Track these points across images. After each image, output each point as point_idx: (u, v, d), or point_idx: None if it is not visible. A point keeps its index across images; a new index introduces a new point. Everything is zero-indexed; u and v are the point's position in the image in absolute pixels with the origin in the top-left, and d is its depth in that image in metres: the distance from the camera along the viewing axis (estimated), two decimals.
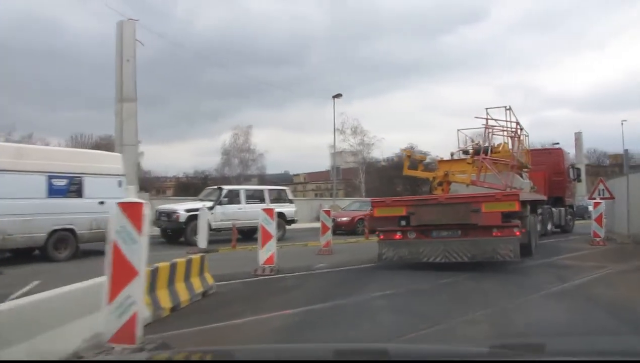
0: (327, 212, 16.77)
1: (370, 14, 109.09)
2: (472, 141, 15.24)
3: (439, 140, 78.67)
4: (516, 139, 14.68)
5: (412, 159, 17.67)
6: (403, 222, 12.11)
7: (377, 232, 12.79)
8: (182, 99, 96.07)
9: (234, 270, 11.88)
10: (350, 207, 28.00)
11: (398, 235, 12.08)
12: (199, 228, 16.61)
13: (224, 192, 20.29)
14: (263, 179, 66.32)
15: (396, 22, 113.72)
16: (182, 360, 2.81)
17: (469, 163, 13.92)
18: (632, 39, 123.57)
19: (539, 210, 17.88)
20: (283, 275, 11.61)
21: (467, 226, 11.38)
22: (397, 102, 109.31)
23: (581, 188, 31.54)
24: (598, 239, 18.11)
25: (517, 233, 11.22)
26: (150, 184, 61.50)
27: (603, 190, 20.53)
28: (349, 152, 63.57)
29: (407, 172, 16.62)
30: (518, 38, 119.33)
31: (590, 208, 19.94)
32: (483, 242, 11.25)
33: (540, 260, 13.50)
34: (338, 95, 32.87)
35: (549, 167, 21.02)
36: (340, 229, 24.03)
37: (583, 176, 38.71)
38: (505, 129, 14.66)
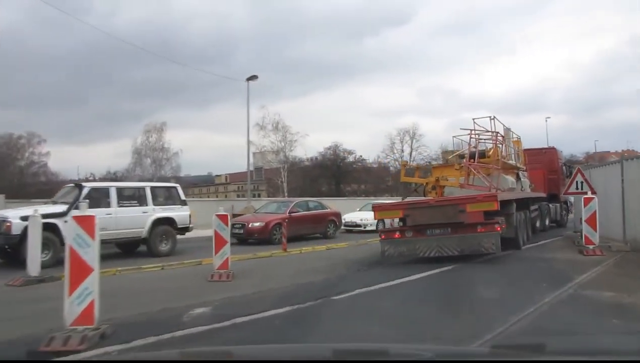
0: (224, 218, 11.21)
1: (296, 14, 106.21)
2: (469, 145, 15.55)
3: (363, 140, 76.42)
4: (501, 144, 15.83)
5: (408, 168, 19.67)
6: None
7: (379, 233, 14.17)
8: (102, 98, 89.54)
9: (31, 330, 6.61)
10: (266, 209, 22.05)
11: (397, 234, 13.11)
12: (29, 245, 10.68)
13: (84, 192, 14.07)
14: (180, 180, 59.71)
15: (322, 23, 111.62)
16: (182, 360, 2.73)
17: (456, 169, 14.79)
18: (542, 47, 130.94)
19: (535, 207, 19.29)
20: (101, 350, 5.61)
21: (456, 224, 12.46)
22: (323, 102, 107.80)
23: None
24: (592, 247, 13.65)
25: (498, 228, 12.42)
26: (57, 187, 54.75)
27: (582, 183, 15.78)
28: (270, 151, 57.80)
29: (404, 179, 18.03)
30: (438, 42, 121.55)
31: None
32: (469, 238, 12.40)
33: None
34: (253, 77, 27.24)
35: (545, 165, 22.01)
36: (253, 237, 18.65)
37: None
38: (492, 135, 15.65)
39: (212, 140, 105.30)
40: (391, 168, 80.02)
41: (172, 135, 59.27)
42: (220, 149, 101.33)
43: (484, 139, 15.63)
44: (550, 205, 22.65)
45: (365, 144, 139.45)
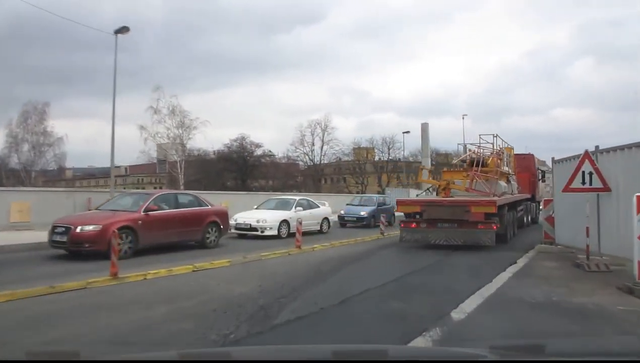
0: None
1: (210, 6, 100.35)
2: (469, 151, 18.87)
3: (274, 137, 72.71)
4: (499, 158, 19.20)
5: (424, 170, 24.22)
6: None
7: (399, 223, 16.89)
8: None
9: None
10: (114, 205, 14.42)
11: (414, 225, 16.00)
12: None
13: None
14: (63, 171, 50.92)
15: (236, 17, 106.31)
16: (182, 360, 2.65)
17: (464, 176, 18.02)
18: (448, 54, 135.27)
19: (522, 207, 22.14)
20: None
21: (461, 221, 15.23)
22: (234, 97, 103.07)
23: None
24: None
25: (494, 227, 15.11)
26: None
27: (591, 174, 11.89)
28: (167, 139, 50.12)
29: (420, 180, 23.91)
30: (349, 43, 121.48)
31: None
32: (471, 232, 15.17)
33: None
34: (123, 30, 20.23)
35: (526, 169, 23.87)
36: (83, 248, 12.04)
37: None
38: (493, 150, 19.29)
39: (119, 131, 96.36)
40: (300, 163, 74.54)
41: (77, 125, 50.39)
42: (125, 140, 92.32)
43: (490, 150, 18.98)
44: (532, 204, 25.67)
45: (276, 141, 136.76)
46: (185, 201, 15.31)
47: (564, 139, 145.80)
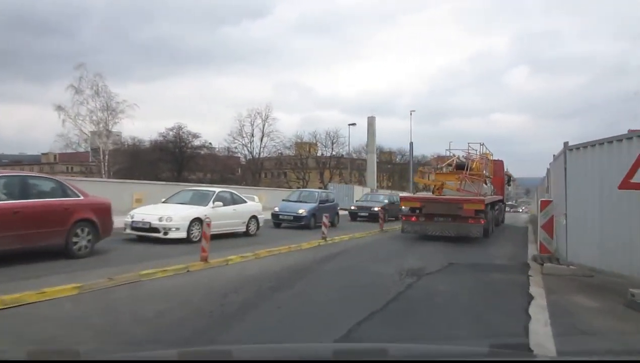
0: None
1: None
2: (454, 155, 21.48)
3: (216, 131, 67.81)
4: (484, 163, 21.17)
5: (422, 171, 26.86)
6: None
7: (400, 216, 19.48)
8: None
9: None
10: None
11: (414, 218, 17.95)
12: None
13: None
14: None
15: (182, 6, 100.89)
16: (182, 360, 2.58)
17: (456, 178, 19.52)
18: (393, 55, 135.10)
19: (497, 207, 24.17)
20: None
21: (455, 216, 17.12)
22: (177, 89, 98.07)
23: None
24: None
25: (482, 221, 17.16)
26: None
27: None
28: (100, 126, 43.99)
29: (417, 179, 28.05)
30: (296, 39, 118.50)
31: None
32: (463, 226, 17.12)
33: None
34: None
35: (498, 173, 24.83)
36: None
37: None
38: (480, 156, 21.67)
39: (52, 117, 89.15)
40: (239, 155, 69.24)
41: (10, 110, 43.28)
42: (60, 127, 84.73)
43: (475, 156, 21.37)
44: (502, 205, 27.58)
45: (219, 135, 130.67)
46: (42, 189, 10.25)
47: (501, 142, 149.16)
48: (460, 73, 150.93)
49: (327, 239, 15.77)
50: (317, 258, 12.11)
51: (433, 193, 19.78)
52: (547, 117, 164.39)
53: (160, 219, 13.65)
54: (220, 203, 15.14)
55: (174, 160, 66.32)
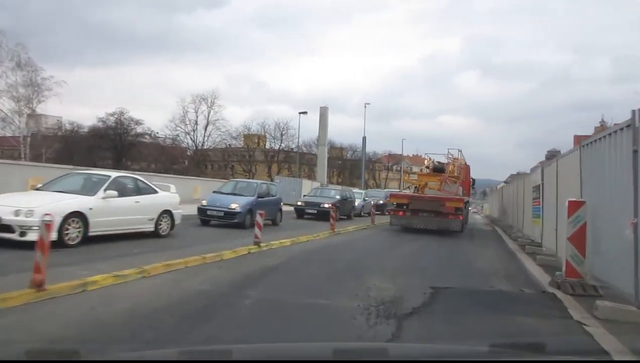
0: None
1: None
2: (432, 161, 23.48)
3: (164, 120, 63.26)
4: (460, 167, 23.48)
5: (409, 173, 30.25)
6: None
7: (389, 211, 21.45)
8: None
9: None
10: None
11: (401, 213, 19.77)
12: None
13: None
14: None
15: None
16: (182, 360, 2.44)
17: (437, 179, 21.94)
18: (346, 53, 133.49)
19: (467, 206, 25.62)
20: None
21: (438, 212, 18.98)
22: (128, 75, 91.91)
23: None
24: None
25: (461, 217, 19.38)
26: None
27: None
28: (20, 104, 38.26)
29: (405, 180, 28.93)
30: (250, 31, 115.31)
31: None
32: (444, 221, 18.96)
33: None
34: None
35: (465, 177, 24.61)
36: None
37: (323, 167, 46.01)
38: (459, 161, 24.04)
39: None
40: (183, 144, 63.86)
41: None
42: None
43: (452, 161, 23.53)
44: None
45: (166, 125, 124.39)
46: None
47: (449, 144, 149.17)
48: (412, 74, 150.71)
49: (262, 245, 11.63)
50: (239, 279, 7.96)
51: (418, 192, 22.03)
52: (495, 121, 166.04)
53: (16, 213, 9.19)
54: (115, 193, 10.71)
55: (113, 148, 60.71)
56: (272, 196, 18.57)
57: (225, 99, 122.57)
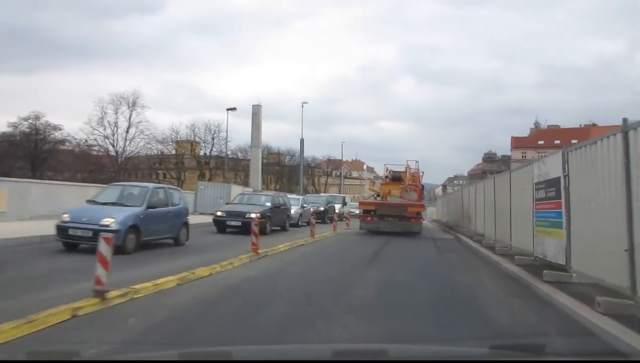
0: None
1: None
2: (390, 171, 25.07)
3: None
4: (416, 176, 24.95)
5: (372, 181, 34.14)
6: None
7: (358, 216, 23.45)
8: None
9: None
10: None
11: (369, 218, 21.46)
12: None
13: None
14: None
15: None
16: (182, 360, 2.43)
17: (400, 187, 23.37)
18: (283, 61, 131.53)
19: None
20: None
21: (401, 216, 20.99)
22: (55, 83, 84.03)
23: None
24: None
25: (422, 221, 22.24)
26: None
27: None
28: None
29: (370, 189, 30.08)
30: (187, 38, 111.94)
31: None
32: (408, 224, 20.86)
33: None
34: None
35: (416, 183, 25.43)
36: None
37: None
38: (417, 171, 25.50)
39: None
40: (97, 150, 56.03)
41: None
42: None
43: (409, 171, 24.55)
44: None
45: (82, 127, 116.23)
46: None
47: (387, 149, 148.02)
48: (350, 81, 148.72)
49: (111, 295, 6.17)
50: None
51: (382, 199, 23.37)
52: (432, 126, 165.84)
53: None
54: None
55: (28, 155, 52.98)
56: (174, 205, 13.08)
57: (160, 106, 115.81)
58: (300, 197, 27.40)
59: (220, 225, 17.72)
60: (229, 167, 60.89)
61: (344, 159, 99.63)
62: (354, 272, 9.82)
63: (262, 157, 79.23)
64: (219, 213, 18.28)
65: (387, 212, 21.23)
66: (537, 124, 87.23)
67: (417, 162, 26.28)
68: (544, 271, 8.61)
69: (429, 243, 18.60)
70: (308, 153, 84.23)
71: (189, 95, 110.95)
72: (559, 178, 8.97)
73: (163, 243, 12.68)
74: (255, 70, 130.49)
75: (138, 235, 11.07)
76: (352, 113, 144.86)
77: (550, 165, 9.59)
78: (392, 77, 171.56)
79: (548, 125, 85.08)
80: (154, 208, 11.88)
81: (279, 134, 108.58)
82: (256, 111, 39.45)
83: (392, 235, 20.10)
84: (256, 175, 39.74)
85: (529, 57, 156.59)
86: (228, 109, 36.73)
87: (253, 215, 17.30)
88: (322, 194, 36.27)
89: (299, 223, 23.25)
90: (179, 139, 61.70)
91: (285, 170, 77.59)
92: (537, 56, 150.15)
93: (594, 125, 79.44)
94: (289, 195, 25.20)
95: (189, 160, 63.98)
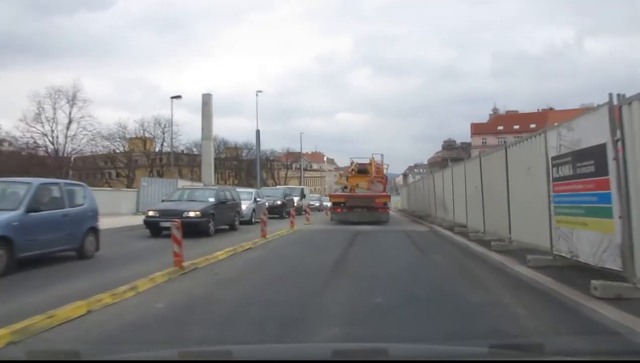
0: None
1: None
2: (356, 164, 25.48)
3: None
4: (380, 168, 25.69)
5: (341, 175, 30.43)
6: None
7: (329, 209, 24.81)
8: None
9: None
10: None
11: (339, 209, 22.35)
12: None
13: None
14: None
15: None
16: (182, 360, 2.44)
17: (367, 180, 24.27)
18: (239, 55, 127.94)
19: None
20: None
21: (370, 207, 22.00)
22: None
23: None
24: None
25: (388, 210, 23.85)
26: None
27: None
28: None
29: (339, 182, 29.50)
30: (141, 34, 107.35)
31: None
32: (376, 214, 21.79)
33: None
34: None
35: (381, 175, 26.37)
36: None
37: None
38: (382, 163, 26.32)
39: None
40: (42, 150, 51.12)
41: None
42: None
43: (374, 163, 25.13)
44: None
45: (16, 125, 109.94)
46: None
47: (347, 141, 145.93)
48: (308, 73, 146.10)
49: None
50: None
51: (350, 192, 24.03)
52: (390, 116, 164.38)
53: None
54: None
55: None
56: (75, 206, 9.76)
57: (115, 104, 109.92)
58: (253, 191, 24.03)
59: (153, 228, 14.35)
60: (184, 163, 56.97)
61: (304, 151, 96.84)
62: (313, 293, 6.72)
63: (219, 152, 75.82)
64: (150, 213, 14.78)
65: (356, 203, 22.15)
66: (495, 110, 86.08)
67: (382, 155, 27.21)
68: (592, 282, 5.74)
69: (402, 237, 15.75)
70: (267, 146, 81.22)
71: (145, 92, 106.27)
72: (602, 145, 6.12)
73: (63, 256, 9.40)
74: (212, 65, 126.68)
75: (10, 250, 7.78)
76: (311, 105, 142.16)
77: (583, 130, 6.74)
78: (349, 68, 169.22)
79: (506, 111, 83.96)
80: (38, 211, 8.55)
81: (237, 129, 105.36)
82: (206, 101, 35.88)
83: (359, 230, 17.58)
84: (208, 169, 36.23)
85: (483, 45, 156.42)
86: (172, 97, 32.84)
87: (192, 214, 14.10)
88: (278, 187, 32.87)
89: (252, 220, 20.07)
90: (127, 135, 57.01)
91: (243, 165, 73.95)
92: (491, 44, 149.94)
93: (551, 109, 78.96)
94: (240, 189, 21.91)
95: (141, 158, 59.58)
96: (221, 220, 15.76)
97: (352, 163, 26.02)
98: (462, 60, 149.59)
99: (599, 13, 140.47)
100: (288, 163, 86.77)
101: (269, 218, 18.40)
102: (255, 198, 21.36)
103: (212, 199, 15.51)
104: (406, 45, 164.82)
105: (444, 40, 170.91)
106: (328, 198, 35.43)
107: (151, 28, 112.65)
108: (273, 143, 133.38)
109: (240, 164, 74.28)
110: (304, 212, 25.55)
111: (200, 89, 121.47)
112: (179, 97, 33.37)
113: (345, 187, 25.18)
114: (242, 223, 18.71)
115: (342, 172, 33.41)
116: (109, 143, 55.09)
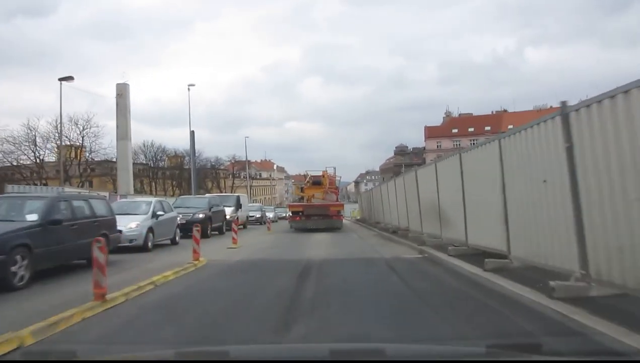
0: None
1: None
2: (309, 176, 27.36)
3: None
4: (333, 180, 27.80)
5: (298, 187, 30.86)
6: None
7: (288, 217, 26.83)
8: None
9: None
10: None
11: (298, 218, 23.55)
12: None
13: None
14: None
15: None
16: (182, 360, 2.33)
17: (322, 191, 25.74)
18: (187, 64, 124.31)
19: None
20: None
21: (325, 215, 23.22)
22: None
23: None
24: None
25: (342, 218, 24.89)
26: None
27: None
28: None
29: (296, 193, 33.27)
30: (85, 43, 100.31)
31: None
32: (331, 221, 23.07)
33: None
34: None
35: (332, 186, 28.31)
36: None
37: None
38: (334, 175, 28.40)
39: None
40: None
41: None
42: None
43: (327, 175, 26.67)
44: None
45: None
46: None
47: (298, 149, 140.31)
48: (256, 82, 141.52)
49: None
50: None
51: (307, 202, 25.28)
52: (340, 125, 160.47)
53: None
54: None
55: None
56: None
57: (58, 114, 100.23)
58: (153, 200, 14.95)
59: None
60: (104, 171, 48.26)
61: (253, 160, 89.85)
62: None
63: (158, 160, 67.79)
64: None
65: (313, 212, 23.34)
66: (448, 113, 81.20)
67: (334, 168, 29.02)
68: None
69: (377, 264, 9.08)
70: (212, 154, 73.65)
71: (90, 102, 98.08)
72: None
73: None
74: (159, 74, 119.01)
75: None
76: (261, 115, 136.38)
77: None
78: (299, 77, 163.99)
79: (460, 114, 79.23)
80: None
81: (185, 139, 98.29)
82: (121, 91, 28.10)
83: (317, 248, 14.06)
84: (126, 175, 28.45)
85: (430, 54, 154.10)
86: (60, 79, 24.28)
87: None
88: (206, 195, 25.28)
89: (149, 245, 12.77)
90: (36, 140, 46.99)
91: (185, 174, 65.87)
92: (437, 53, 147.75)
93: (505, 111, 74.94)
94: (139, 198, 14.46)
95: (56, 166, 50.21)
96: (48, 257, 8.29)
97: (307, 176, 27.86)
98: (410, 69, 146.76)
99: (541, 24, 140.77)
100: (235, 171, 79.23)
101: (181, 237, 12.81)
102: (154, 212, 13.50)
103: (32, 217, 8.01)
104: (355, 55, 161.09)
105: (391, 49, 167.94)
106: (273, 208, 38.19)
107: (96, 37, 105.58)
108: (221, 152, 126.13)
109: (182, 173, 66.27)
110: (241, 227, 18.56)
111: (148, 98, 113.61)
112: (71, 78, 24.56)
113: (302, 198, 26.42)
114: (130, 250, 11.52)
115: (298, 184, 35.08)
116: (15, 148, 44.94)
